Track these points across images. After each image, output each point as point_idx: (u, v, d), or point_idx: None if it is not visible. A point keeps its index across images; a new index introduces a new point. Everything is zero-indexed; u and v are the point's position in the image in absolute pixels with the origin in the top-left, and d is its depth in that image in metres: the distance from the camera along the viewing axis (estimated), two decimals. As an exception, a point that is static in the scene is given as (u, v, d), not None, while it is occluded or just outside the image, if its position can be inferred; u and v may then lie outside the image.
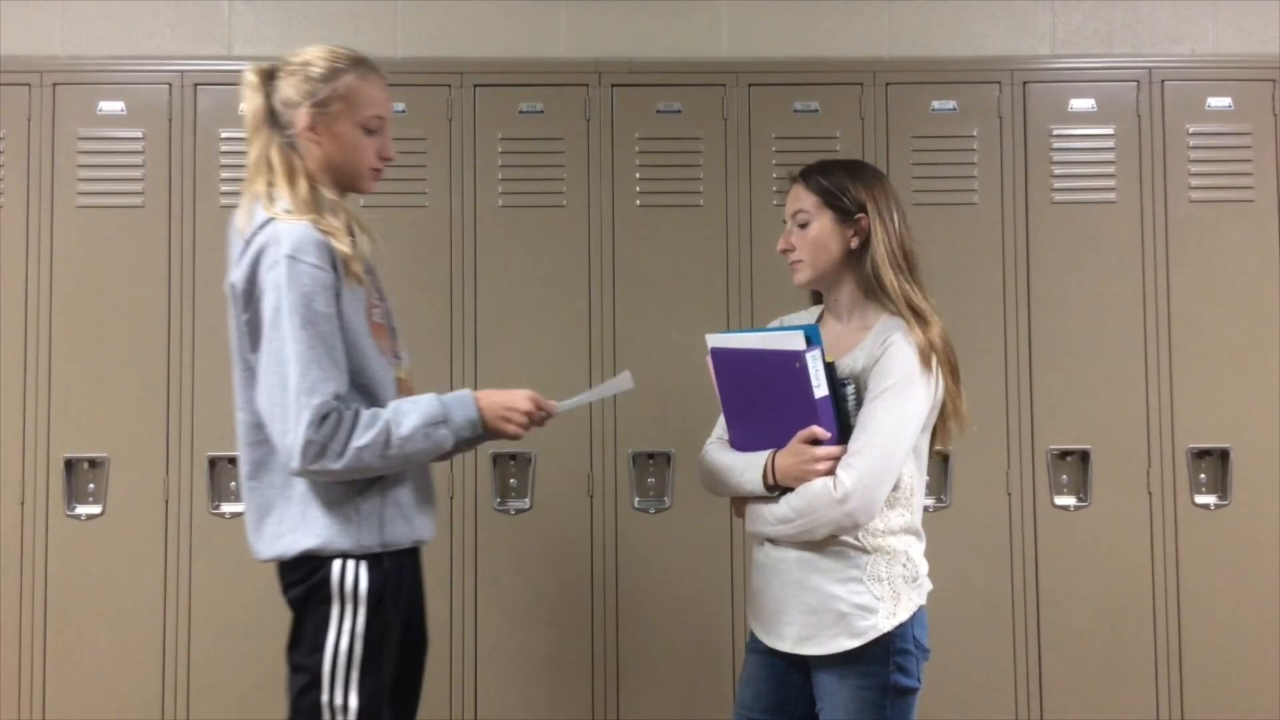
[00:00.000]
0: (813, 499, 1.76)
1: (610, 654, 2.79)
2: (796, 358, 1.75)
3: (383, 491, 1.71)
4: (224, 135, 2.83)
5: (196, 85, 2.83)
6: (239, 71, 2.88)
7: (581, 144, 2.85)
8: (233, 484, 2.78)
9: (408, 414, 1.67)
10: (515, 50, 3.06)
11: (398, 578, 1.74)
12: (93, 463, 2.77)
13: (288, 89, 1.77)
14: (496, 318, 2.83)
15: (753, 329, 1.99)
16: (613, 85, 2.87)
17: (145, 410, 2.77)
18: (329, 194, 1.77)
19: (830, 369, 1.79)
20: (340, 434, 1.62)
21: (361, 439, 1.63)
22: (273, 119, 1.78)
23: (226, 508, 2.77)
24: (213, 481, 2.77)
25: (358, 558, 1.68)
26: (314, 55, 1.79)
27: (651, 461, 2.82)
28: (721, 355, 1.91)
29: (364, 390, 1.71)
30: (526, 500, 2.81)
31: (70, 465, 2.76)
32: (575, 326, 2.83)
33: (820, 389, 1.75)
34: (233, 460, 2.78)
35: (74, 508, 2.76)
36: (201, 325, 2.78)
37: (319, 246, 1.66)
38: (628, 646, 2.79)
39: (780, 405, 1.80)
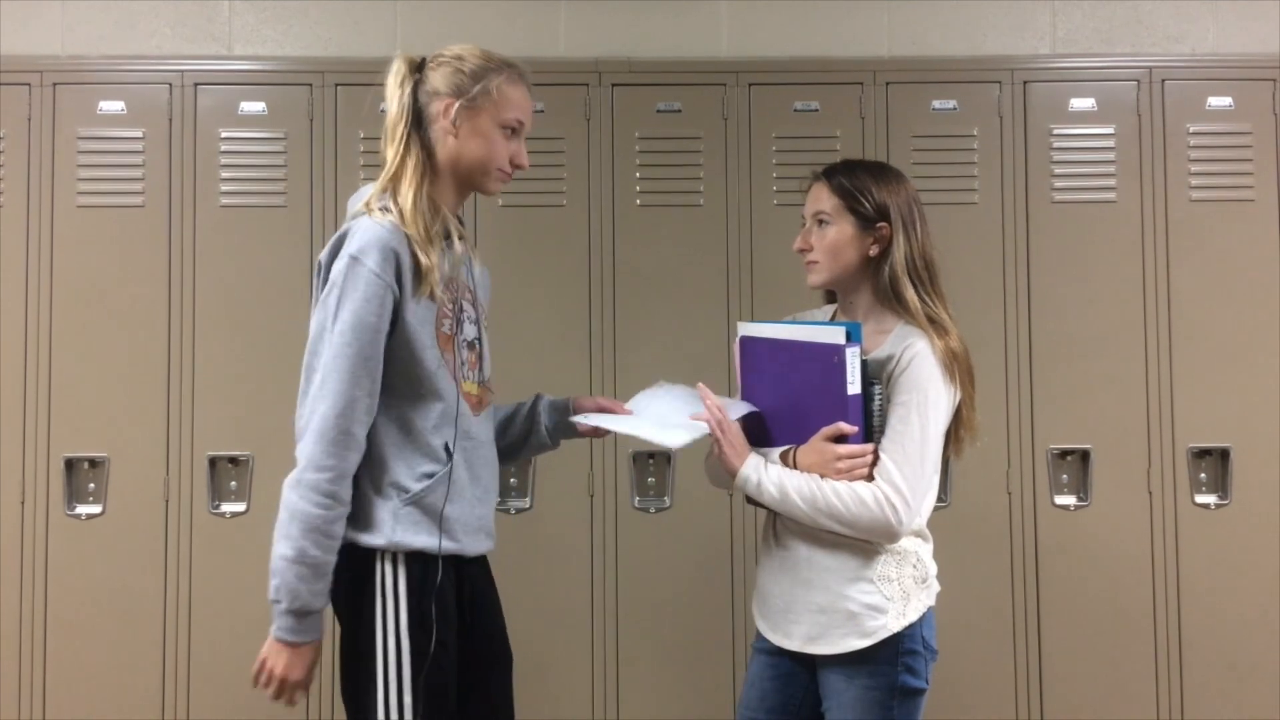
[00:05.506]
0: (860, 512, 1.73)
1: (610, 654, 2.79)
2: (836, 351, 1.73)
3: (417, 495, 1.70)
4: (224, 135, 2.83)
5: (197, 85, 2.84)
6: (239, 71, 2.92)
7: (581, 143, 2.86)
8: (233, 484, 2.78)
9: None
10: (515, 49, 3.00)
11: (450, 582, 1.72)
12: (93, 462, 2.77)
13: (437, 80, 1.77)
14: (495, 317, 2.82)
15: (784, 321, 1.97)
16: (613, 85, 2.87)
17: (145, 410, 2.77)
18: (446, 198, 1.78)
19: (865, 367, 1.77)
20: (319, 494, 1.62)
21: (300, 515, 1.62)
22: (415, 115, 1.77)
23: (226, 507, 2.77)
24: (213, 481, 2.77)
25: (394, 555, 1.68)
26: (467, 51, 1.80)
27: (651, 461, 2.82)
28: (751, 344, 1.90)
29: (419, 400, 1.71)
30: (527, 500, 2.81)
31: (70, 465, 2.76)
32: (575, 326, 2.83)
33: (854, 385, 1.74)
34: (232, 460, 2.78)
35: (74, 507, 2.76)
36: (202, 325, 2.78)
37: (385, 251, 1.65)
38: (628, 646, 2.79)
39: (807, 398, 1.79)
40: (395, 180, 1.74)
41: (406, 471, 1.69)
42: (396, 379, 1.70)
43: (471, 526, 1.76)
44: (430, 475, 1.70)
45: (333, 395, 1.63)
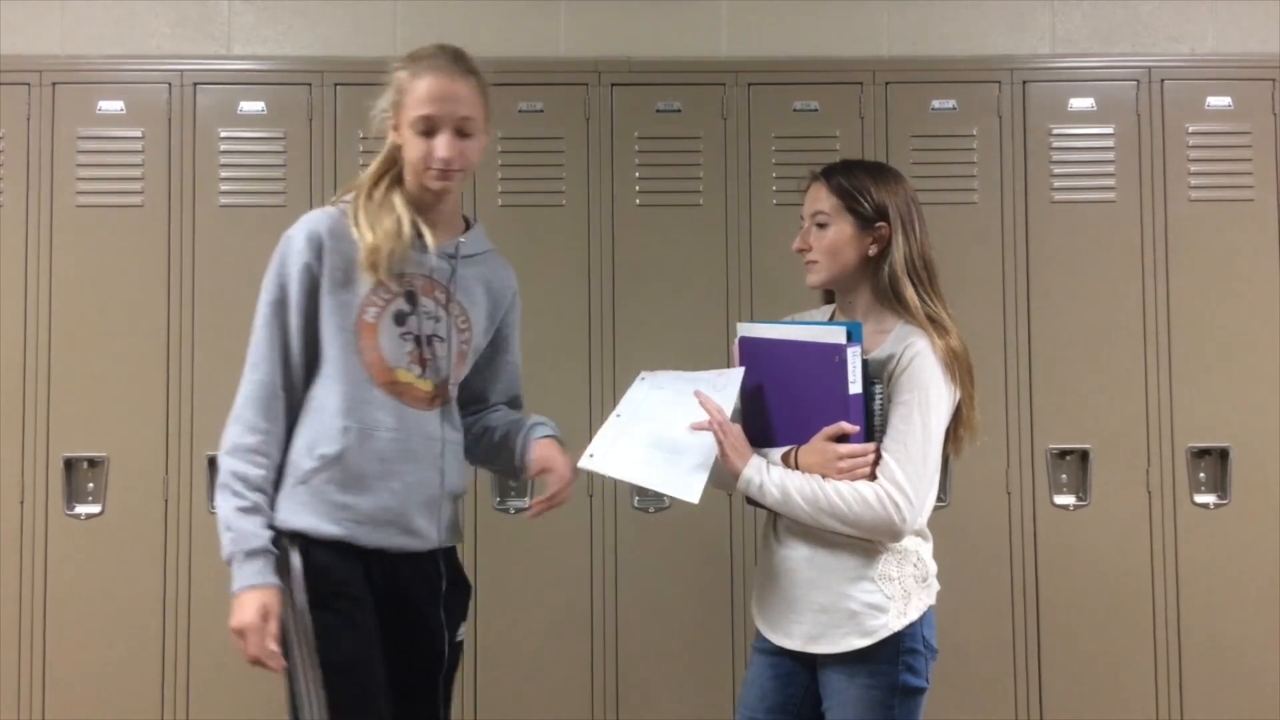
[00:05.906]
0: (863, 512, 1.73)
1: (610, 654, 2.79)
2: (837, 351, 1.74)
3: (306, 476, 1.72)
4: (223, 134, 2.83)
5: (196, 85, 2.83)
6: (239, 71, 2.92)
7: (581, 143, 2.85)
8: (232, 484, 2.78)
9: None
10: (515, 49, 3.06)
11: (353, 569, 1.73)
12: (92, 462, 2.77)
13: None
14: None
15: (784, 321, 1.97)
16: (612, 84, 2.87)
17: (145, 410, 2.77)
18: (419, 200, 1.80)
19: (866, 367, 1.77)
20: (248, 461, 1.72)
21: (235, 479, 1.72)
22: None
23: (226, 507, 2.76)
24: (213, 481, 2.75)
25: (289, 534, 1.72)
26: (396, 59, 1.82)
27: (651, 461, 2.82)
28: (750, 345, 1.90)
29: (326, 380, 1.74)
30: (526, 500, 2.81)
31: (70, 465, 2.76)
32: (574, 326, 2.83)
33: (855, 385, 1.74)
34: (232, 460, 2.78)
35: (74, 507, 2.76)
36: (201, 325, 2.78)
37: (310, 232, 1.76)
38: (628, 646, 2.79)
39: (808, 399, 1.79)
40: (361, 185, 1.82)
41: (305, 451, 1.73)
42: (310, 358, 1.76)
43: (378, 519, 1.74)
44: (325, 457, 1.72)
45: (259, 361, 1.73)
